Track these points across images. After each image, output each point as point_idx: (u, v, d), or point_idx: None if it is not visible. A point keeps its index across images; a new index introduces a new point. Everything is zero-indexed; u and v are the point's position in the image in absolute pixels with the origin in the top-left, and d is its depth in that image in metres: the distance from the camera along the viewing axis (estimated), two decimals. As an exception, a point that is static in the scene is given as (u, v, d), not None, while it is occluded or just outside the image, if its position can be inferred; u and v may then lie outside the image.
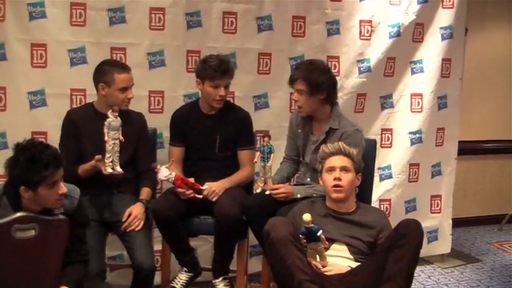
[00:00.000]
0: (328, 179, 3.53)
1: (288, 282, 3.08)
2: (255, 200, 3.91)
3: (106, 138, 3.68)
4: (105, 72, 3.87)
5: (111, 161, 3.71)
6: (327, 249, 3.36)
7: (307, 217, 3.23)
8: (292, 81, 3.94)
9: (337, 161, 3.55)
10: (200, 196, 3.92)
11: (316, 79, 3.87)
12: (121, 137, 3.73)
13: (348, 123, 3.99)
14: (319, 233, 3.25)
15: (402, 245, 3.10)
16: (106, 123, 3.68)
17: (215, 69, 3.96)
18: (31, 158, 2.84)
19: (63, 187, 2.99)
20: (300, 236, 3.23)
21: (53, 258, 3.05)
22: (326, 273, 3.24)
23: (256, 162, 4.01)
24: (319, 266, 3.27)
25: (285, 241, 3.10)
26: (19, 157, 2.86)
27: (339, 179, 3.48)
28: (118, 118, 3.71)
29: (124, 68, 3.91)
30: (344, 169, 3.52)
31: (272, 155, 3.88)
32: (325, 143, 3.85)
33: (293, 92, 4.05)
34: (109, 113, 3.70)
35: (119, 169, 3.75)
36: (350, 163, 3.56)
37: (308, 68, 3.93)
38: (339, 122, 3.97)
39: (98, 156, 3.67)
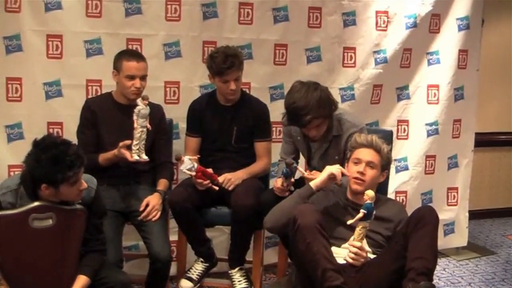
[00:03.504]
0: (352, 169, 3.48)
1: (311, 270, 3.08)
2: (271, 196, 3.90)
3: (135, 125, 3.71)
4: (117, 59, 3.91)
5: (138, 149, 3.74)
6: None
7: (370, 193, 3.25)
8: (306, 124, 3.70)
9: (366, 154, 3.49)
10: (217, 188, 3.92)
11: (328, 112, 3.77)
12: (148, 125, 3.76)
13: (350, 125, 3.89)
14: (374, 212, 3.27)
15: (420, 227, 3.10)
16: (136, 110, 3.71)
17: (221, 65, 3.93)
18: (55, 158, 2.84)
19: (84, 183, 3.01)
20: (362, 210, 3.22)
21: (71, 248, 3.07)
22: (355, 263, 3.23)
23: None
24: (358, 246, 3.24)
25: (312, 229, 3.09)
26: (41, 156, 2.85)
27: (362, 173, 3.44)
28: (148, 107, 3.74)
29: (135, 56, 3.92)
30: (370, 164, 3.47)
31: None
32: (328, 151, 3.87)
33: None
34: (139, 101, 3.73)
35: (144, 156, 3.78)
36: (378, 159, 3.50)
37: (314, 102, 3.65)
38: (341, 127, 3.89)
39: (125, 142, 3.69)
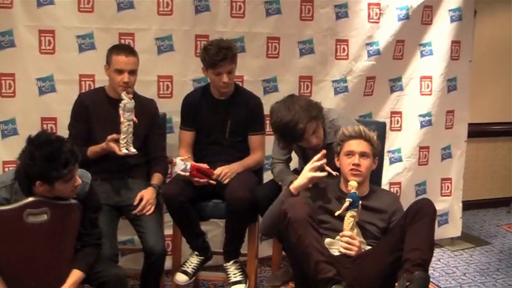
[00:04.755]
0: (346, 162, 3.48)
1: (304, 263, 3.09)
2: (267, 191, 3.91)
3: (121, 119, 3.71)
4: (109, 53, 3.91)
5: (126, 142, 3.74)
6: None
7: (354, 183, 3.31)
8: (302, 134, 3.59)
9: (357, 145, 3.49)
10: (214, 183, 3.92)
11: (316, 113, 3.68)
12: (134, 119, 3.75)
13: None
14: (360, 201, 3.30)
15: (418, 220, 3.10)
16: (121, 104, 3.71)
17: (214, 57, 3.92)
18: (50, 156, 2.84)
19: (78, 180, 3.02)
20: (347, 199, 3.26)
21: (66, 242, 3.08)
22: (349, 253, 3.25)
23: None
24: (348, 235, 3.26)
25: (303, 222, 3.09)
26: (35, 154, 2.84)
27: (358, 165, 3.44)
28: (132, 100, 3.74)
29: (124, 50, 3.91)
30: (363, 154, 3.47)
31: None
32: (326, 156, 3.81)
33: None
34: (123, 94, 3.72)
35: (133, 149, 3.78)
36: (370, 148, 3.50)
37: (299, 110, 3.58)
38: (335, 133, 3.78)
39: (113, 136, 3.70)
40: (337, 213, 3.31)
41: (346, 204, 3.27)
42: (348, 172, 3.47)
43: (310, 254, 3.05)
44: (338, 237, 3.33)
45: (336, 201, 3.48)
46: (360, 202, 3.31)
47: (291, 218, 3.11)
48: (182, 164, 3.87)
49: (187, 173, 3.86)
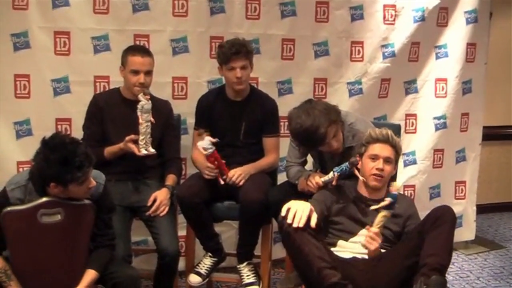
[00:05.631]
0: (369, 165, 3.46)
1: (307, 270, 3.09)
2: (279, 194, 3.89)
3: (140, 120, 3.72)
4: (124, 54, 3.92)
5: (144, 143, 3.75)
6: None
7: (398, 184, 3.37)
8: (324, 138, 3.55)
9: (382, 150, 3.47)
10: (223, 182, 3.92)
11: (335, 117, 3.64)
12: (152, 119, 3.76)
13: (363, 136, 3.68)
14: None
15: (437, 226, 3.09)
16: (139, 106, 3.72)
17: (227, 52, 3.93)
18: (64, 159, 2.84)
19: (93, 181, 3.03)
20: (388, 198, 3.25)
21: (80, 242, 3.09)
22: (369, 246, 3.24)
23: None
24: (375, 231, 3.25)
25: (299, 231, 3.07)
26: (50, 156, 2.85)
27: (381, 169, 3.43)
28: (150, 101, 3.75)
29: (140, 51, 3.91)
30: (387, 160, 3.46)
31: None
32: (342, 161, 3.71)
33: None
34: (141, 96, 3.73)
35: (151, 149, 3.79)
36: (394, 154, 3.49)
37: (319, 114, 3.53)
38: (353, 136, 3.78)
39: (131, 136, 3.72)
40: (373, 207, 3.31)
41: (386, 202, 3.25)
42: (370, 176, 3.46)
43: (312, 262, 3.05)
44: (351, 240, 3.33)
45: (352, 203, 3.48)
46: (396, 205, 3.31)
47: (287, 227, 3.09)
48: (208, 143, 3.82)
49: (209, 151, 3.82)
